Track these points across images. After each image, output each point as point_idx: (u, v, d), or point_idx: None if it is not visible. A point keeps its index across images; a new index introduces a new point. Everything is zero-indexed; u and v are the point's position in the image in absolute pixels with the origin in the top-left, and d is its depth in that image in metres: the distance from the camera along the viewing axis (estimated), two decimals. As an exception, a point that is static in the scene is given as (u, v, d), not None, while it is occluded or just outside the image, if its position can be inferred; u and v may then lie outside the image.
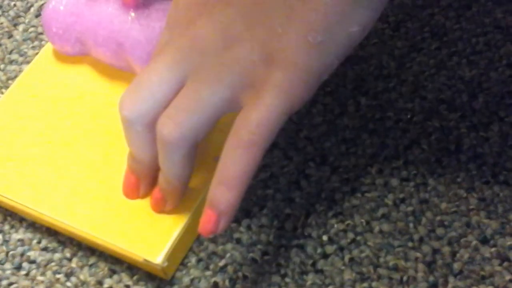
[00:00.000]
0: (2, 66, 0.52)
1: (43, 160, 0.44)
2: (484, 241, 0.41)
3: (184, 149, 0.38)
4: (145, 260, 0.40)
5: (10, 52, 0.53)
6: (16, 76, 0.50)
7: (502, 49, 0.48)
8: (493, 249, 0.41)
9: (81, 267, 0.43)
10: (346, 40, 0.36)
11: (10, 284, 0.43)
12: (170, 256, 0.41)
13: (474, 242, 0.41)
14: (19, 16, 0.55)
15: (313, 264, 0.42)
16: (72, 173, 0.44)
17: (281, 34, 0.36)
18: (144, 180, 0.42)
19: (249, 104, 0.37)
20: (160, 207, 0.42)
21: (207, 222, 0.37)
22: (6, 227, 0.45)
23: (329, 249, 0.42)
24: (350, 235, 0.42)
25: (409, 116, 0.46)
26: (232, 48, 0.37)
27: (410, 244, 0.42)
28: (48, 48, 0.49)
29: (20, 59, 0.52)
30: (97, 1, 0.46)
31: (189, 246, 0.43)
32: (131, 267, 0.42)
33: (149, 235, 0.41)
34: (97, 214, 0.42)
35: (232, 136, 0.37)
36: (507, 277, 0.40)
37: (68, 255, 0.43)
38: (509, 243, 0.41)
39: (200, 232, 0.38)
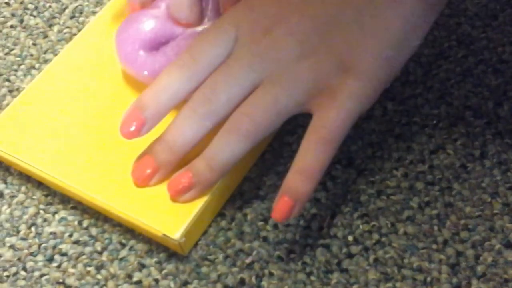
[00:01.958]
0: (37, 65, 0.53)
1: (75, 136, 0.47)
2: (508, 245, 0.42)
3: (251, 144, 0.42)
4: (164, 235, 0.42)
5: (45, 52, 0.54)
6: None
7: (528, 58, 0.49)
8: (516, 253, 0.42)
9: (111, 261, 0.44)
10: (410, 53, 0.42)
11: (42, 275, 0.44)
12: (188, 233, 0.42)
13: (498, 246, 0.42)
14: (54, 17, 0.56)
15: (338, 264, 0.42)
16: (99, 148, 0.46)
17: (355, 48, 0.41)
18: (164, 169, 0.43)
19: (324, 107, 0.41)
20: (181, 194, 0.43)
21: (283, 208, 0.41)
22: (39, 220, 0.46)
23: (354, 249, 0.43)
24: (375, 236, 0.43)
25: (435, 122, 0.47)
26: (309, 58, 0.41)
27: (434, 246, 0.42)
28: (80, 38, 0.52)
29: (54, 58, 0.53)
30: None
31: (207, 223, 0.44)
32: (160, 262, 0.43)
33: (169, 210, 0.43)
34: (120, 188, 0.44)
35: (311, 133, 0.41)
36: (530, 281, 0.41)
37: (99, 248, 0.44)
38: (532, 247, 0.42)
39: (274, 217, 0.41)
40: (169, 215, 0.43)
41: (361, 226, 0.44)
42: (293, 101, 0.42)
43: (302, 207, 0.41)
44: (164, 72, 0.43)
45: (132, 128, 0.42)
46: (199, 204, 0.43)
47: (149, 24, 0.47)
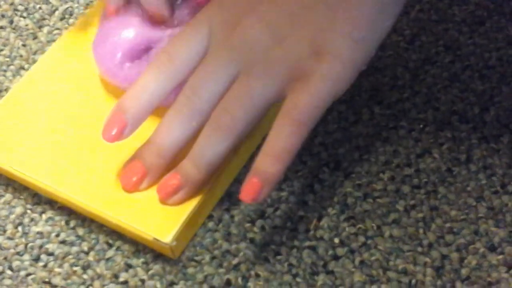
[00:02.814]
0: (27, 66, 0.54)
1: (61, 140, 0.47)
2: (492, 248, 0.42)
3: (233, 139, 0.42)
4: (155, 239, 0.42)
5: (35, 53, 0.54)
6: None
7: (514, 64, 0.50)
8: (500, 257, 0.42)
9: (98, 261, 0.44)
10: (383, 33, 0.41)
11: (28, 275, 0.44)
12: (179, 236, 0.42)
13: (482, 249, 0.42)
14: (44, 19, 0.56)
15: (324, 265, 0.43)
16: (87, 152, 0.46)
17: (326, 31, 0.41)
18: (153, 173, 0.43)
19: (297, 91, 0.41)
20: (170, 196, 0.43)
21: (251, 190, 0.41)
22: (26, 220, 0.46)
23: (340, 251, 0.43)
24: (361, 239, 0.43)
25: (421, 126, 0.48)
26: (281, 45, 0.41)
27: (419, 249, 0.43)
28: (64, 38, 0.52)
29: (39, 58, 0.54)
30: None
31: (198, 227, 0.44)
32: (147, 262, 0.44)
33: (160, 214, 0.43)
34: (108, 192, 0.44)
35: (282, 116, 0.41)
36: (514, 284, 0.41)
37: (85, 248, 0.44)
38: (516, 250, 0.42)
39: (242, 198, 0.41)
40: (159, 219, 0.43)
41: (347, 229, 0.44)
42: (268, 90, 0.42)
43: (270, 189, 0.41)
44: (143, 74, 0.44)
45: (114, 132, 0.43)
46: (190, 207, 0.43)
47: (127, 33, 0.47)
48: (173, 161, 0.44)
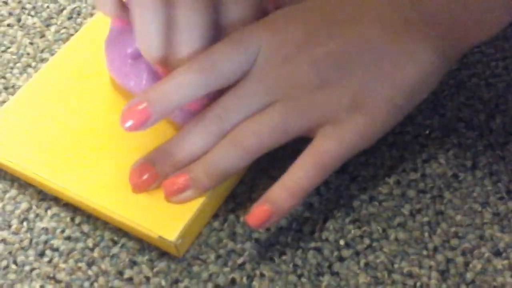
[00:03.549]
0: (34, 64, 0.54)
1: (68, 139, 0.47)
2: (497, 253, 0.42)
3: (252, 159, 0.43)
4: (160, 237, 0.42)
5: (42, 51, 0.54)
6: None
7: (520, 73, 0.50)
8: (505, 262, 0.42)
9: (103, 257, 0.44)
10: (417, 103, 0.43)
11: (33, 269, 0.44)
12: (184, 234, 0.42)
13: (487, 254, 0.42)
14: (52, 18, 0.57)
15: (329, 267, 0.43)
16: (94, 151, 0.46)
17: (369, 89, 0.42)
18: (164, 178, 0.43)
19: (326, 135, 0.42)
20: (175, 195, 0.43)
21: (260, 216, 0.41)
22: (31, 216, 0.46)
23: (346, 253, 0.43)
24: (366, 241, 0.44)
25: (427, 132, 0.48)
26: (325, 90, 0.42)
27: (424, 252, 0.43)
28: (76, 38, 0.52)
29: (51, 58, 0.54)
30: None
31: (203, 225, 0.44)
32: (152, 259, 0.44)
33: (165, 212, 0.43)
34: (115, 190, 0.44)
35: (309, 155, 0.42)
36: (518, 290, 0.41)
37: (90, 245, 0.44)
38: (522, 255, 0.42)
39: (248, 221, 0.42)
40: (165, 217, 0.43)
41: (352, 231, 0.44)
42: (299, 126, 0.43)
43: (277, 220, 0.42)
44: (180, 71, 0.42)
45: (134, 121, 0.42)
46: (195, 206, 0.43)
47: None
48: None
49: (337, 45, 0.43)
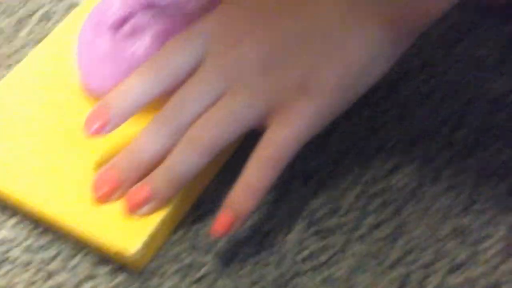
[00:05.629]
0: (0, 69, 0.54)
1: (26, 148, 0.46)
2: (455, 268, 0.43)
3: (208, 158, 0.42)
4: (118, 251, 0.42)
5: (8, 57, 0.54)
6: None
7: (486, 84, 0.50)
8: (462, 276, 0.42)
9: (62, 269, 0.44)
10: (369, 84, 0.43)
11: (-8, 280, 0.44)
12: (143, 249, 0.42)
13: (445, 269, 0.43)
14: (22, 21, 0.56)
15: (288, 281, 0.43)
16: (53, 162, 0.46)
17: (317, 71, 0.41)
18: (127, 184, 0.43)
19: (277, 124, 0.41)
20: (138, 208, 0.43)
21: (224, 223, 0.41)
22: (-8, 225, 0.46)
23: (305, 267, 0.43)
24: (327, 254, 0.44)
25: (392, 143, 0.48)
26: (270, 73, 0.42)
27: (383, 266, 0.43)
28: (49, 40, 0.52)
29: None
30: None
31: (164, 239, 0.44)
32: (111, 272, 0.43)
33: (124, 227, 0.43)
34: (74, 202, 0.44)
35: (261, 149, 0.42)
36: (475, 305, 0.41)
37: (50, 255, 0.44)
38: (478, 272, 0.42)
39: (214, 229, 0.41)
40: (124, 232, 0.43)
41: (313, 244, 0.44)
42: (249, 114, 0.43)
43: (242, 222, 0.42)
44: (133, 74, 0.44)
45: (95, 126, 0.42)
46: (157, 218, 0.43)
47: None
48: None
49: (282, 27, 0.43)
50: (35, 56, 0.51)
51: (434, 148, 0.47)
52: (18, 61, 0.53)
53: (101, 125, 0.43)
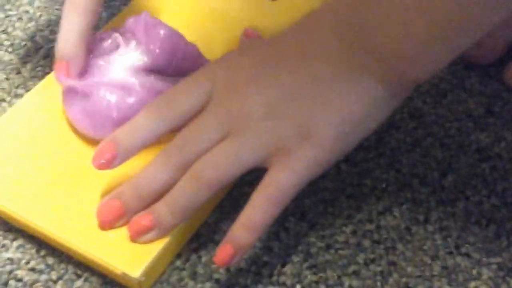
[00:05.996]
0: (8, 98, 0.55)
1: (36, 173, 0.48)
2: (444, 304, 0.45)
3: (212, 192, 0.45)
4: (123, 273, 0.43)
5: (17, 87, 0.56)
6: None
7: (472, 135, 0.53)
8: (451, 313, 0.44)
9: (66, 290, 0.45)
10: (365, 133, 0.46)
11: (-4, 299, 0.45)
12: (148, 272, 0.44)
13: (435, 305, 0.45)
14: (29, 56, 0.58)
15: (285, 310, 0.44)
16: (62, 186, 0.47)
17: (317, 119, 0.44)
18: (131, 213, 0.45)
19: (278, 167, 0.44)
20: (140, 236, 0.45)
21: (225, 255, 0.43)
22: (-3, 246, 0.47)
23: (301, 297, 0.45)
24: (322, 287, 0.45)
25: (384, 186, 0.50)
26: (274, 120, 0.45)
27: (376, 300, 0.45)
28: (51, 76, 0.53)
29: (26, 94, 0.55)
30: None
31: (166, 264, 0.46)
32: (114, 295, 0.45)
33: (130, 249, 0.44)
34: (81, 224, 0.45)
35: (262, 189, 0.44)
36: None
37: (54, 277, 0.46)
38: (467, 307, 0.44)
39: (215, 260, 0.44)
40: (129, 254, 0.44)
41: (309, 276, 0.46)
42: (252, 156, 0.45)
43: (242, 256, 0.44)
44: (141, 113, 0.46)
45: (103, 160, 0.45)
46: (160, 244, 0.45)
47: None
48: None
49: (285, 78, 0.45)
50: (42, 89, 0.53)
51: (423, 193, 0.50)
52: (27, 90, 0.55)
53: (109, 160, 0.45)
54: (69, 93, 0.50)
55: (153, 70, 0.49)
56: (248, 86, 0.46)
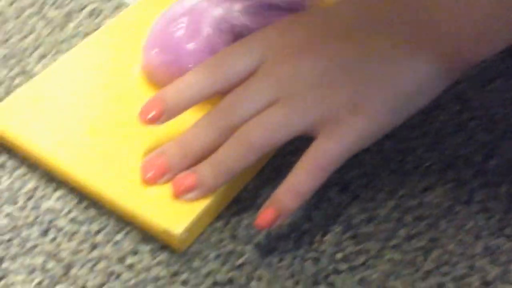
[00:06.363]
0: (50, 54, 0.55)
1: (83, 125, 0.48)
2: (486, 284, 0.44)
3: (257, 156, 0.44)
4: (166, 229, 0.43)
5: (61, 43, 0.56)
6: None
7: (517, 122, 0.53)
8: (493, 292, 0.44)
9: (106, 242, 0.45)
10: (414, 110, 0.45)
11: (35, 246, 0.44)
12: (190, 230, 0.43)
13: (476, 283, 0.44)
14: (73, 13, 0.58)
15: (326, 277, 0.44)
16: (107, 139, 0.47)
17: (368, 91, 0.44)
18: (175, 171, 0.45)
19: (327, 135, 0.44)
20: (183, 194, 0.44)
21: (266, 218, 0.43)
22: (38, 194, 0.47)
23: (342, 266, 0.45)
24: (362, 258, 0.45)
25: (427, 164, 0.50)
26: (326, 89, 0.44)
27: (417, 275, 0.44)
28: (99, 34, 0.54)
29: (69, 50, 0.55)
30: None
31: (206, 224, 0.45)
32: (154, 250, 0.44)
33: (173, 207, 0.44)
34: (125, 180, 0.45)
35: (309, 157, 0.44)
36: (503, 320, 0.43)
37: (95, 229, 0.45)
38: (509, 288, 0.44)
39: (257, 223, 0.43)
40: (172, 211, 0.44)
41: (349, 247, 0.46)
42: (301, 122, 0.45)
43: (283, 220, 0.44)
44: (191, 72, 0.46)
45: (150, 115, 0.44)
46: (203, 203, 0.44)
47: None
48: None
49: (340, 48, 0.45)
50: (86, 46, 0.53)
51: (467, 174, 0.50)
52: (67, 49, 0.55)
53: (156, 116, 0.45)
54: None
55: None
56: (301, 54, 0.45)
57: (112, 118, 0.49)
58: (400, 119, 0.45)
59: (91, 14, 0.58)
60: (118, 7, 0.59)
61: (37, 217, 0.46)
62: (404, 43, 0.45)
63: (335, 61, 0.45)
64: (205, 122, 0.46)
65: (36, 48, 0.55)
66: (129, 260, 0.44)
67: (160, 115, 0.45)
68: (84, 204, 0.46)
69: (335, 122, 0.44)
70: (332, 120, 0.44)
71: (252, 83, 0.46)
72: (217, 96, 0.46)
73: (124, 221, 0.46)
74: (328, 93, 0.45)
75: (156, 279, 0.43)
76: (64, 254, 0.44)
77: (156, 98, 0.45)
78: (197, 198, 0.45)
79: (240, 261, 0.44)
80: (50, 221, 0.46)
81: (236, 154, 0.44)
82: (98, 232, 0.45)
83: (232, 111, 0.45)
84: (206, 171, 0.45)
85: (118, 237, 0.45)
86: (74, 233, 0.45)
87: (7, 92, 0.52)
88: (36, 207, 0.46)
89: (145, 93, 0.48)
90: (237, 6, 0.49)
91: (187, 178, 0.45)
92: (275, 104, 0.45)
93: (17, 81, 0.53)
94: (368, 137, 0.45)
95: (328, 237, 0.46)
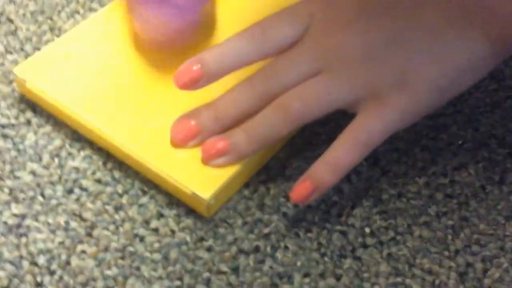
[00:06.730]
0: (82, 11, 0.54)
1: (114, 84, 0.47)
2: (516, 265, 0.43)
3: (294, 126, 0.43)
4: (194, 193, 0.42)
5: (92, 1, 0.55)
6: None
7: (554, 103, 0.51)
8: (524, 274, 0.43)
9: (131, 204, 0.44)
10: (461, 90, 0.44)
11: (59, 204, 0.44)
12: (218, 195, 0.43)
13: (506, 264, 0.43)
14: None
15: (353, 251, 0.43)
16: (138, 100, 0.46)
17: (416, 68, 0.42)
18: (205, 135, 0.44)
19: (369, 112, 0.43)
20: (213, 159, 0.44)
21: (302, 191, 0.42)
22: (63, 153, 0.46)
23: (370, 240, 0.44)
24: (391, 233, 0.44)
25: (460, 142, 0.49)
26: (371, 64, 0.43)
27: (446, 253, 0.44)
28: None
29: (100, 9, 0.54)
30: None
31: (233, 192, 0.45)
32: (179, 215, 0.44)
33: (201, 171, 0.43)
34: (155, 141, 0.44)
35: (351, 132, 0.43)
36: (532, 303, 0.42)
37: (119, 191, 0.45)
38: (542, 269, 0.43)
39: (291, 195, 0.42)
40: (201, 175, 0.43)
41: (378, 221, 0.45)
42: (343, 96, 0.43)
43: (319, 195, 0.43)
44: (234, 37, 0.44)
45: (187, 79, 0.43)
46: (233, 169, 0.44)
47: None
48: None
49: (389, 23, 0.43)
50: (118, 5, 0.52)
51: (500, 154, 0.48)
52: (98, 8, 0.54)
53: (193, 80, 0.43)
54: None
55: None
56: (347, 26, 0.44)
57: (142, 78, 0.48)
58: (444, 100, 0.44)
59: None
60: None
61: (61, 176, 0.45)
62: (457, 21, 0.43)
63: (382, 35, 0.43)
64: (243, 87, 0.44)
65: (66, 5, 0.54)
66: (153, 224, 0.43)
67: (198, 79, 0.43)
68: (110, 165, 0.46)
69: (377, 98, 0.43)
70: (376, 97, 0.43)
71: (297, 52, 0.44)
72: (257, 62, 0.45)
73: (149, 185, 0.45)
74: (372, 68, 0.43)
75: (181, 244, 0.43)
76: (87, 215, 0.43)
77: (194, 61, 0.44)
78: (226, 164, 0.44)
79: (266, 230, 0.44)
80: (75, 181, 0.45)
81: (273, 124, 0.43)
82: (123, 194, 0.44)
83: (274, 78, 0.44)
84: (239, 137, 0.44)
85: (143, 200, 0.44)
86: (98, 194, 0.44)
87: (36, 48, 0.51)
88: (61, 166, 0.45)
89: (176, 56, 0.47)
90: None
91: (219, 142, 0.44)
92: (318, 75, 0.44)
93: (45, 37, 0.52)
94: (410, 117, 0.43)
95: (357, 210, 0.45)
